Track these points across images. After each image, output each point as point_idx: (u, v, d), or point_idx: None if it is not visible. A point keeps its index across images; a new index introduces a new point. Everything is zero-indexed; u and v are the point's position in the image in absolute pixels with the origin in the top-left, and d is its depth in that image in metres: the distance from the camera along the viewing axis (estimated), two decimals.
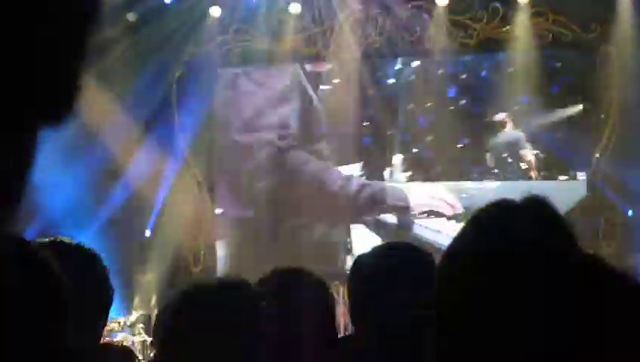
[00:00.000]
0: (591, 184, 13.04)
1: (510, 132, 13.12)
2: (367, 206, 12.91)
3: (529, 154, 13.02)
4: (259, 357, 2.50)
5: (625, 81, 12.83)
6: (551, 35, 13.12)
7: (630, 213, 12.88)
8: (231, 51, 13.52)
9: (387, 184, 13.00)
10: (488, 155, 13.11)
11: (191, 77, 13.41)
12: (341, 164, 13.14)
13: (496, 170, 13.11)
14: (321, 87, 13.37)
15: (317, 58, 13.41)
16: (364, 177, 13.13)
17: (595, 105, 13.05)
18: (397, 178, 13.09)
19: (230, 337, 2.49)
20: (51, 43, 1.01)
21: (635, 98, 12.68)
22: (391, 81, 13.37)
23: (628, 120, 12.85)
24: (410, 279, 2.87)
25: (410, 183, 13.06)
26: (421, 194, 12.94)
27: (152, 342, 9.12)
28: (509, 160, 13.08)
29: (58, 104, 1.04)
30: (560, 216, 1.70)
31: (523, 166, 13.06)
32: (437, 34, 13.17)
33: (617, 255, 12.20)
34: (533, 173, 12.98)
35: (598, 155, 12.96)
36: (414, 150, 13.16)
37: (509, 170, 13.06)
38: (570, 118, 13.07)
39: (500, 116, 13.05)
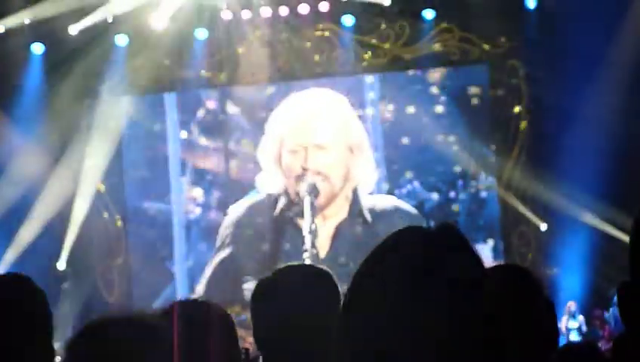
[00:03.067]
0: (503, 201, 13.17)
1: None
2: None
3: None
4: None
5: (533, 94, 13.04)
6: (459, 51, 13.26)
7: (543, 227, 13.05)
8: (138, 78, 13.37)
9: None
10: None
11: (101, 105, 13.27)
12: None
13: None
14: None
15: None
16: None
17: (506, 123, 13.21)
18: None
19: None
20: None
21: (543, 111, 12.86)
22: None
23: (537, 135, 13.03)
24: (313, 301, 2.84)
25: None
26: None
27: None
28: None
29: None
30: (467, 242, 1.70)
31: None
32: (344, 55, 13.24)
33: (532, 268, 12.32)
34: None
35: (509, 170, 13.12)
36: None
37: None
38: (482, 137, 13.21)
39: None
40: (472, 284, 1.60)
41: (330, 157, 12.48)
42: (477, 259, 1.62)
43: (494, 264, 11.73)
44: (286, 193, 12.68)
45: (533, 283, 3.08)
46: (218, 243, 13.04)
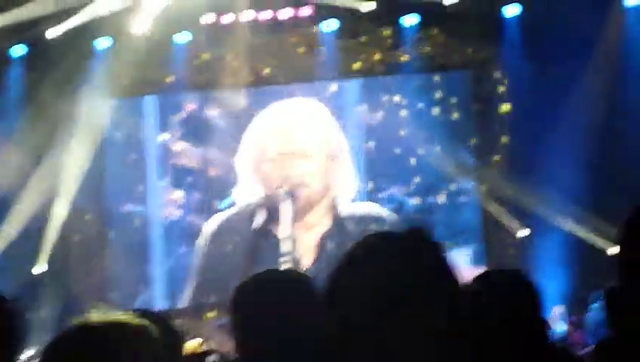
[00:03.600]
0: (484, 206, 13.24)
1: None
2: None
3: None
4: None
5: (515, 100, 13.13)
6: (441, 58, 13.32)
7: (522, 233, 13.12)
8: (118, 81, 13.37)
9: None
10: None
11: (82, 107, 13.26)
12: None
13: None
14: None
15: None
16: None
17: (487, 129, 13.27)
18: None
19: None
20: None
21: (524, 118, 12.93)
22: None
23: (519, 141, 13.10)
24: (292, 306, 2.87)
25: None
26: None
27: None
28: None
29: None
30: (438, 247, 1.72)
31: None
32: (327, 60, 13.27)
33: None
34: None
35: (490, 175, 13.18)
36: None
37: None
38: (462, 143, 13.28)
39: None
40: (438, 288, 1.62)
41: (312, 165, 12.47)
42: (445, 264, 1.64)
43: (474, 269, 11.85)
44: (264, 204, 12.63)
45: (526, 287, 3.12)
46: (196, 257, 13.01)
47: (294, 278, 3.12)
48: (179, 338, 3.41)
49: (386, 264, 1.66)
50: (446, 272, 1.70)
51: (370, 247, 1.73)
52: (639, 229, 1.54)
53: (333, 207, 12.64)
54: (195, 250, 12.99)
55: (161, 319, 3.20)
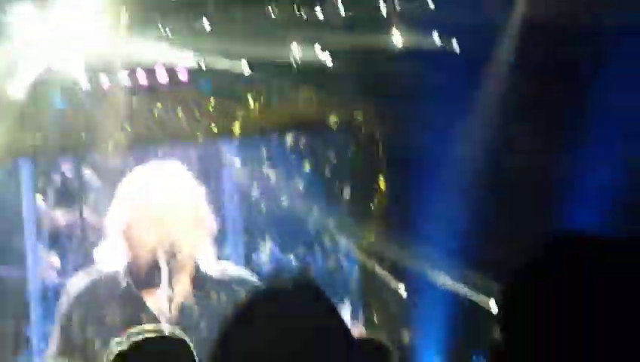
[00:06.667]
0: (362, 264, 13.18)
1: None
2: None
3: None
4: None
5: (391, 156, 13.15)
6: (317, 116, 13.39)
7: (401, 291, 13.03)
8: None
9: None
10: None
11: None
12: None
13: None
14: None
15: None
16: None
17: (362, 183, 13.28)
18: None
19: None
20: None
21: (403, 173, 12.95)
22: None
23: (398, 197, 13.09)
24: None
25: None
26: None
27: None
28: None
29: None
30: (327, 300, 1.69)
31: None
32: (203, 121, 13.37)
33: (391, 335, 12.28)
34: None
35: (369, 233, 13.15)
36: None
37: None
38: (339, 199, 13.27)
39: None
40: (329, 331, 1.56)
41: (181, 230, 12.37)
42: (332, 308, 1.60)
43: (354, 329, 11.76)
44: (132, 265, 12.52)
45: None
46: (58, 319, 12.85)
47: (174, 342, 3.05)
48: None
49: (278, 319, 1.62)
50: (339, 326, 1.66)
51: (259, 304, 1.68)
52: (515, 294, 1.49)
53: (195, 270, 12.54)
54: (56, 314, 12.83)
55: None
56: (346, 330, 1.50)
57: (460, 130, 12.76)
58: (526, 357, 1.41)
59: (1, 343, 13.17)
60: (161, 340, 3.21)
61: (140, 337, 2.97)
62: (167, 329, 11.64)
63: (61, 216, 13.37)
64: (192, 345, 2.83)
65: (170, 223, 12.41)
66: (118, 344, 2.86)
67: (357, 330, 12.27)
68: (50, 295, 13.27)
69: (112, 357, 2.81)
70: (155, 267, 12.13)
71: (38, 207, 13.45)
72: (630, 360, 1.34)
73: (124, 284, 12.74)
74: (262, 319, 1.53)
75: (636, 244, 1.42)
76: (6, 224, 13.44)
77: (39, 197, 13.48)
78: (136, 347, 2.83)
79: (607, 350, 1.36)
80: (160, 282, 12.05)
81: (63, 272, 13.31)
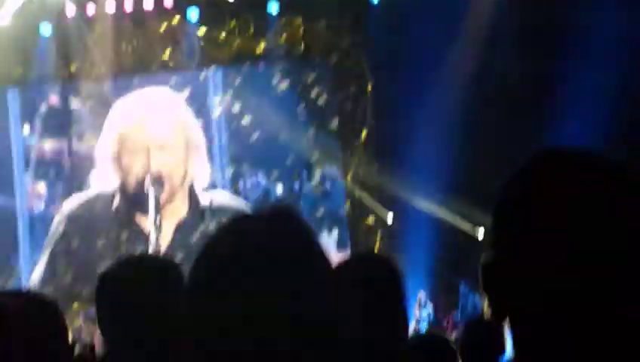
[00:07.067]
0: (349, 192, 13.25)
1: None
2: None
3: None
4: None
5: (379, 86, 13.16)
6: (304, 45, 13.37)
7: (388, 219, 13.13)
8: None
9: None
10: None
11: None
12: None
13: None
14: None
15: None
16: None
17: (350, 114, 13.30)
18: None
19: None
20: None
21: (389, 104, 12.95)
22: None
23: (384, 127, 13.10)
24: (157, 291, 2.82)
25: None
26: None
27: None
28: None
29: None
30: (304, 227, 1.68)
31: None
32: (189, 50, 13.32)
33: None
34: None
35: (355, 161, 13.21)
36: None
37: None
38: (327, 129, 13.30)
39: None
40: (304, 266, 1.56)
41: (172, 157, 12.38)
42: (316, 244, 1.59)
43: (338, 254, 11.83)
44: (123, 191, 12.56)
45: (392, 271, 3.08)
46: (51, 237, 12.91)
47: (160, 265, 3.04)
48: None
49: (253, 247, 1.62)
50: (317, 253, 1.66)
51: (235, 231, 1.68)
52: (506, 208, 1.48)
53: (190, 196, 12.59)
54: (50, 232, 12.89)
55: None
56: (325, 260, 1.51)
57: (447, 56, 12.81)
58: (517, 272, 1.44)
59: None
60: (149, 260, 3.21)
61: (125, 258, 3.00)
62: (154, 251, 11.87)
63: (49, 145, 13.35)
64: (180, 265, 2.84)
65: (159, 152, 12.46)
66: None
67: (344, 257, 12.37)
68: (38, 225, 13.28)
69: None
70: (143, 193, 12.23)
71: (26, 136, 13.41)
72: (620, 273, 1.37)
73: (115, 205, 12.86)
74: (237, 246, 1.55)
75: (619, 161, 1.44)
76: None
77: (27, 127, 13.43)
78: (122, 265, 2.84)
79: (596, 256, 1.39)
80: (149, 210, 12.14)
81: (50, 202, 13.31)
